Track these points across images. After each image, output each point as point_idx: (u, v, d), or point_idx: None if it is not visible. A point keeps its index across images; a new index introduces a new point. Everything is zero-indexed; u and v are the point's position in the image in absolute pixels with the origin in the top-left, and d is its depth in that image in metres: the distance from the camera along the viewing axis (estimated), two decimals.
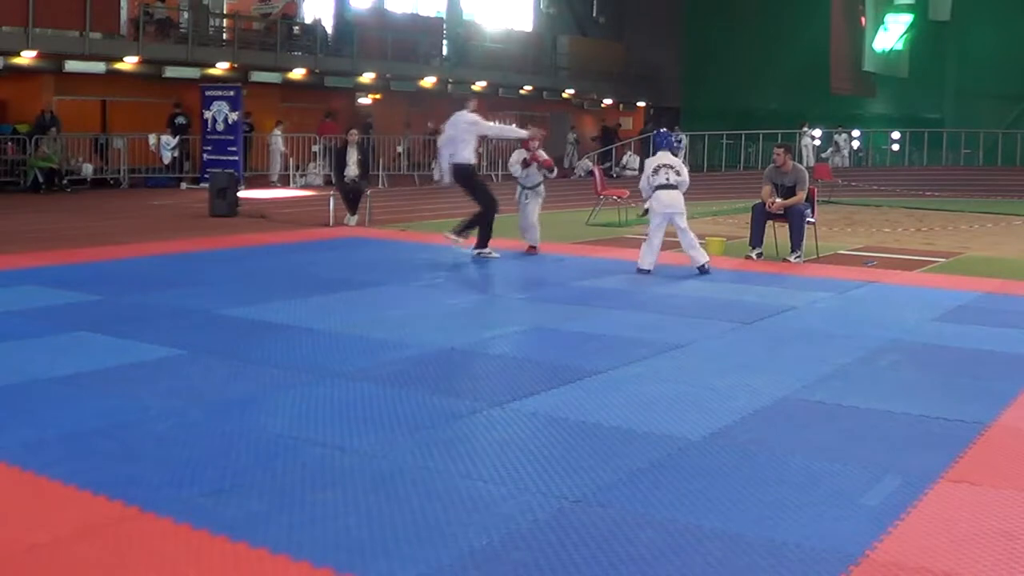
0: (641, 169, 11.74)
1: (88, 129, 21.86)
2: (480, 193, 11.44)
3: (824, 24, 30.93)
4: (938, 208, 20.83)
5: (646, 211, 11.17)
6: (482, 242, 11.32)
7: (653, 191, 10.64)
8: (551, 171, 12.23)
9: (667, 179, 10.60)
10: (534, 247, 11.93)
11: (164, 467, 4.18)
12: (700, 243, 10.84)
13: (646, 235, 10.66)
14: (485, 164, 23.14)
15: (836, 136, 30.64)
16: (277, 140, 23.16)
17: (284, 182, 22.42)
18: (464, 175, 11.45)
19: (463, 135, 11.33)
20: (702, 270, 10.40)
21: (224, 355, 6.29)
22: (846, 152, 30.90)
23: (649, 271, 10.37)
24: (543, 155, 12.06)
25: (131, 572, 3.26)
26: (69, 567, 3.27)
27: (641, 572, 3.34)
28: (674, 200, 10.57)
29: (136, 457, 4.31)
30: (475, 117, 11.46)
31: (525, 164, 11.99)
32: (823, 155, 29.60)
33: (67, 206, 16.76)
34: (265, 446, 4.50)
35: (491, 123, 12.40)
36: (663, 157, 10.83)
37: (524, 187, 12.07)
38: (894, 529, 3.72)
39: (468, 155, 11.42)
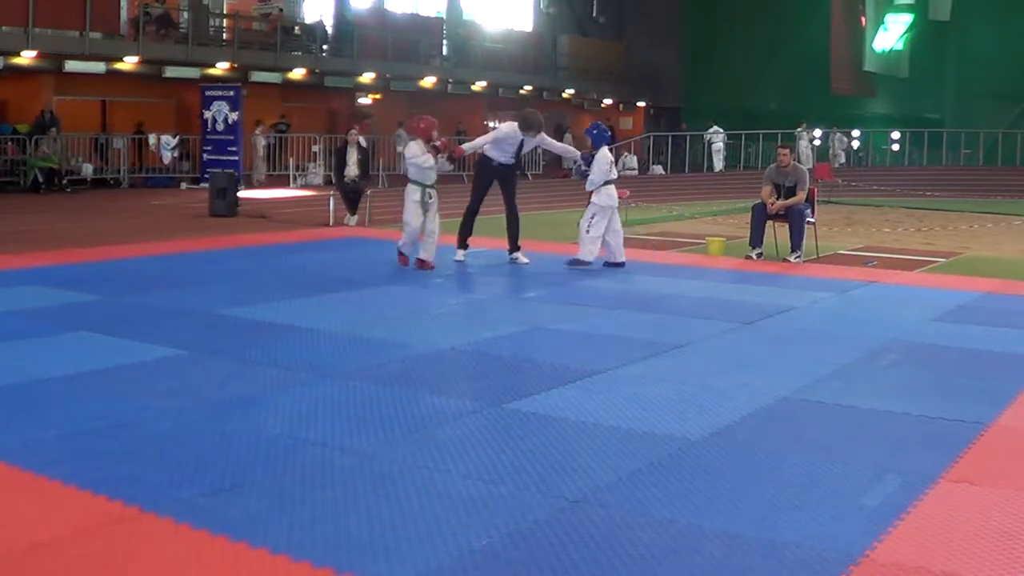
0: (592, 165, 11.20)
1: (88, 129, 21.87)
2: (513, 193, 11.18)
3: (824, 24, 30.94)
4: (938, 208, 20.84)
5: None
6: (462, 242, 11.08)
7: (602, 185, 10.77)
8: (452, 161, 11.15)
9: (614, 175, 10.92)
10: (428, 261, 10.27)
11: (164, 467, 4.18)
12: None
13: (588, 231, 10.67)
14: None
15: (833, 136, 30.66)
16: (258, 140, 23.15)
17: (276, 183, 22.41)
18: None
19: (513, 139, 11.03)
20: (618, 265, 10.70)
21: (224, 355, 6.29)
22: (842, 152, 30.90)
23: (590, 263, 10.57)
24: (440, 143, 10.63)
25: (131, 572, 3.26)
26: (69, 567, 3.27)
27: (641, 572, 3.34)
28: (616, 195, 10.92)
29: (136, 457, 4.31)
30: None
31: (437, 151, 10.42)
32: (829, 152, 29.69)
33: (67, 206, 16.77)
34: (265, 446, 4.50)
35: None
36: (608, 153, 11.02)
37: (425, 186, 10.31)
38: (894, 529, 3.72)
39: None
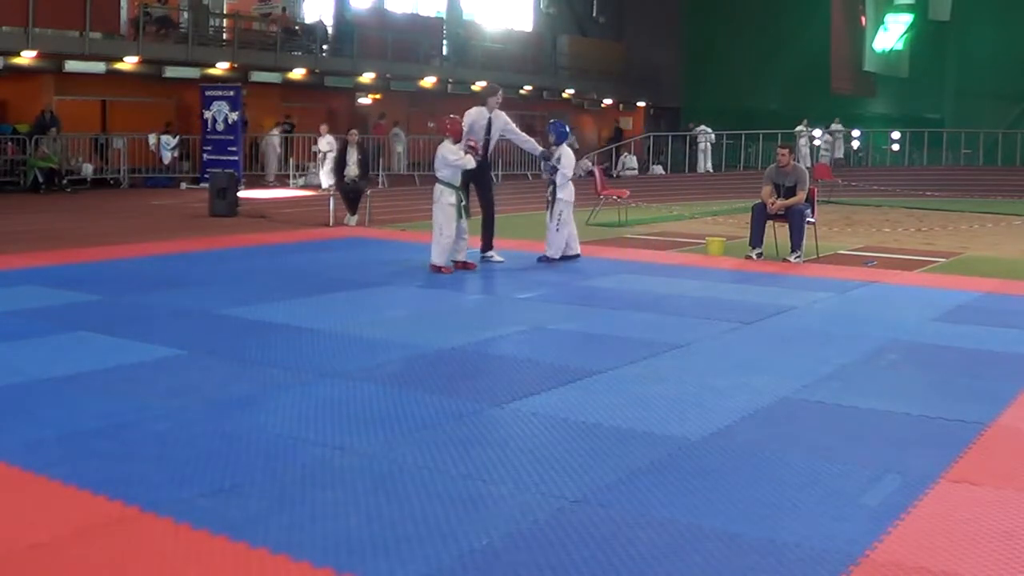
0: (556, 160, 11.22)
1: (88, 129, 21.86)
2: (489, 193, 11.26)
3: (824, 24, 30.96)
4: (938, 208, 20.83)
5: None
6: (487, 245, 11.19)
7: (566, 181, 11.07)
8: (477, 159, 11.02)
9: (572, 173, 11.29)
10: (469, 262, 10.54)
11: (164, 467, 4.18)
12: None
13: (558, 228, 11.02)
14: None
15: (830, 130, 30.57)
16: (274, 140, 23.22)
17: (283, 182, 22.48)
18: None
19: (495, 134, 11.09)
20: (548, 260, 10.98)
21: (224, 355, 6.29)
22: (840, 149, 30.81)
23: (558, 259, 10.98)
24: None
25: (131, 572, 3.26)
26: (69, 567, 3.27)
27: (641, 572, 3.34)
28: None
29: (136, 457, 4.31)
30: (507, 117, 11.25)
31: (475, 151, 10.42)
32: (824, 151, 29.58)
33: (67, 206, 16.76)
34: (265, 446, 4.50)
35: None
36: (569, 150, 11.32)
37: (455, 187, 10.27)
38: (894, 529, 3.72)
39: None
